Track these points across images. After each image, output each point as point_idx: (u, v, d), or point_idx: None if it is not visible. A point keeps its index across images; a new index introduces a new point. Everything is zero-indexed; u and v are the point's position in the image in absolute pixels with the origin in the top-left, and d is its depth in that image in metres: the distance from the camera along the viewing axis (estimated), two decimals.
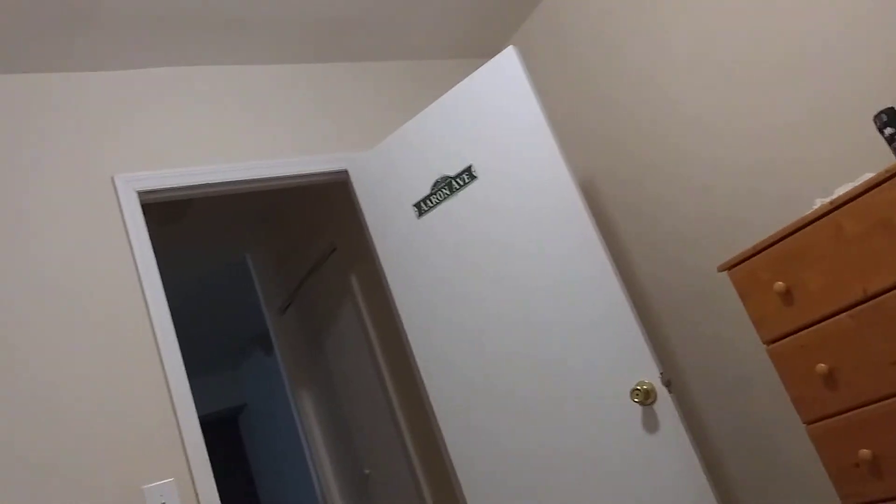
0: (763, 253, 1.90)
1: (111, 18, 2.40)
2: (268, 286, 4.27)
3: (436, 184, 2.66)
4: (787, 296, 1.86)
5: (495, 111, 2.56)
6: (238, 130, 2.77)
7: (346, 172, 2.90)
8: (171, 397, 2.29)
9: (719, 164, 2.48)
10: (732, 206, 2.45)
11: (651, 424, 2.26)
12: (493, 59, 2.58)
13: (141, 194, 2.51)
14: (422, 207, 2.69)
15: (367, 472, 3.62)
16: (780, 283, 1.85)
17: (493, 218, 2.55)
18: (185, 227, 4.04)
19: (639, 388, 2.24)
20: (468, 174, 2.59)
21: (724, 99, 2.43)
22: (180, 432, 2.26)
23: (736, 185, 2.43)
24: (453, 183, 2.62)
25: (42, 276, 2.27)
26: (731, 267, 1.98)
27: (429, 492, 3.16)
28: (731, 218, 2.45)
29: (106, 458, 2.14)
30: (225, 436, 7.76)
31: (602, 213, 2.94)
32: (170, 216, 3.66)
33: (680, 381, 2.71)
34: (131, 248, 2.43)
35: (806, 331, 1.83)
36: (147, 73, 2.70)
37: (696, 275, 2.59)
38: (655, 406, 2.25)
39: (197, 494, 2.20)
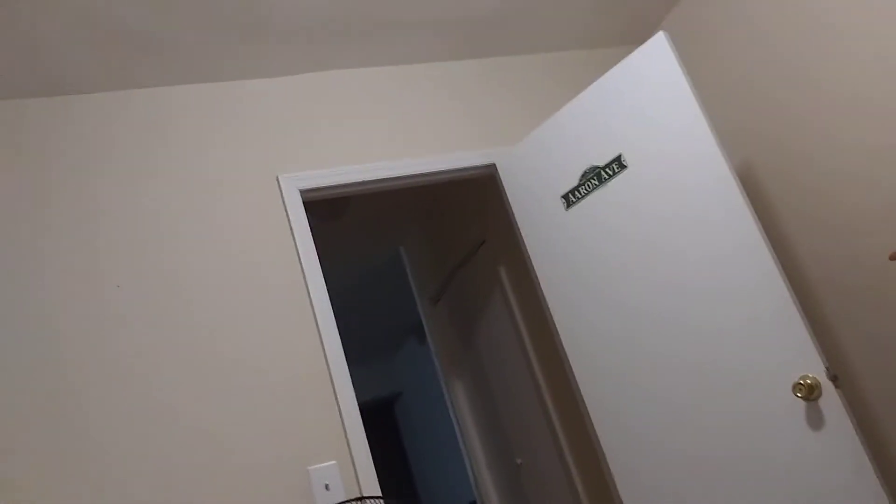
0: None
1: (274, 29, 2.57)
2: (420, 277, 4.41)
3: (584, 174, 2.64)
4: None
5: (646, 99, 2.51)
6: (391, 129, 2.88)
7: (493, 166, 2.94)
8: (332, 383, 2.43)
9: (882, 151, 2.31)
10: None
11: (815, 421, 2.15)
12: (642, 46, 2.53)
13: (303, 192, 2.67)
14: (570, 199, 2.68)
15: (519, 461, 3.66)
16: None
17: (645, 208, 2.50)
18: (346, 222, 4.24)
19: (802, 382, 2.13)
20: (618, 163, 2.56)
21: (882, 83, 2.27)
22: (341, 417, 2.39)
23: None
24: (602, 173, 2.60)
25: (214, 269, 2.47)
26: None
27: (581, 484, 3.16)
28: None
29: (276, 439, 2.30)
30: (382, 423, 8.05)
31: (759, 203, 2.81)
32: (332, 213, 3.85)
33: (848, 377, 2.56)
34: (295, 242, 2.59)
35: None
36: (306, 77, 2.86)
37: (865, 266, 2.43)
38: (820, 402, 2.14)
39: (357, 477, 2.32)
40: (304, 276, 2.54)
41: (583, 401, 2.67)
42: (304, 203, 2.66)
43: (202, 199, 2.55)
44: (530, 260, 2.84)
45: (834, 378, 2.13)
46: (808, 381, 2.13)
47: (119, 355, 2.26)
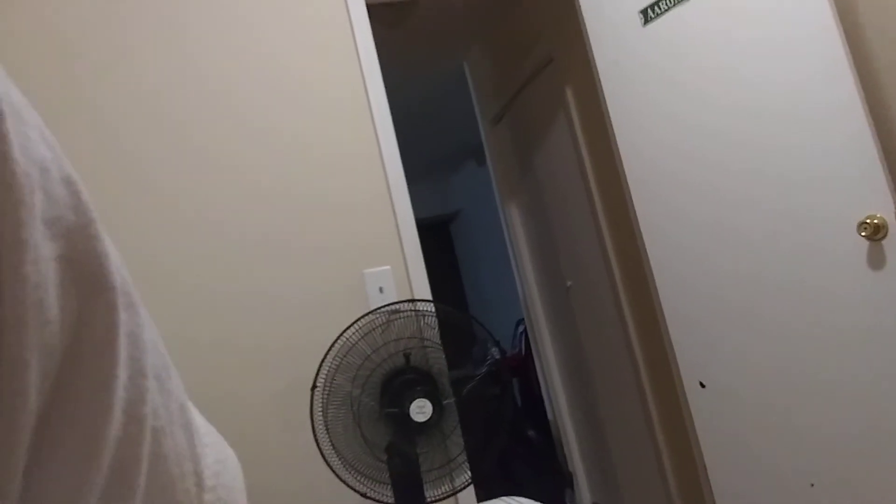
0: None
1: None
2: (483, 96, 4.31)
3: None
4: None
5: None
6: None
7: None
8: (389, 194, 2.45)
9: None
10: None
11: (877, 261, 2.10)
12: None
13: None
14: (648, 14, 2.52)
15: (569, 283, 3.72)
16: None
17: (730, 28, 2.34)
18: (408, 32, 4.11)
19: (868, 221, 2.07)
20: None
21: None
22: (398, 227, 2.43)
23: None
24: None
25: (273, 77, 2.44)
26: None
27: (627, 305, 3.21)
28: None
29: (335, 244, 2.37)
30: (438, 240, 8.24)
31: (854, 34, 2.60)
32: (395, 19, 3.73)
33: None
34: (357, 49, 2.52)
35: None
36: None
37: None
38: (885, 242, 2.08)
39: (410, 282, 2.40)
40: (366, 88, 2.49)
41: (639, 228, 2.65)
42: (367, 6, 2.57)
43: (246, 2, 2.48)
44: (599, 80, 2.73)
45: None
46: (875, 221, 2.07)
47: (183, 153, 2.31)
